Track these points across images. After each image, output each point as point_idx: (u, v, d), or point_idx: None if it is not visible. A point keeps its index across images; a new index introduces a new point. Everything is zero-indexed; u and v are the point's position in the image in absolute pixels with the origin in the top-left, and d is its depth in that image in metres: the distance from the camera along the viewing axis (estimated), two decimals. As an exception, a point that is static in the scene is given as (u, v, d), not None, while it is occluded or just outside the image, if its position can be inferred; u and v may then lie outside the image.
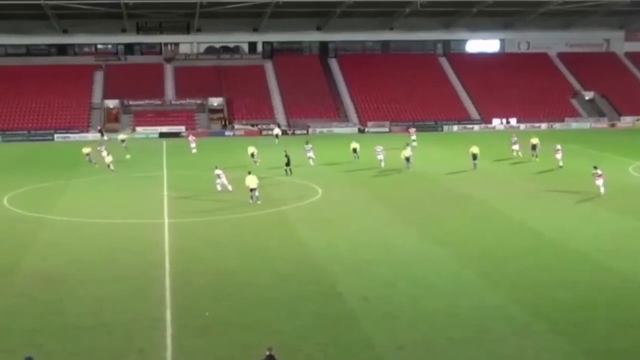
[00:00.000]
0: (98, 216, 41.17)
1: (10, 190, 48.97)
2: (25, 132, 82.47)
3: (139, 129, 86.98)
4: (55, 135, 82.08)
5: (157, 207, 43.55)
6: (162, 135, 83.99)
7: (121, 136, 74.22)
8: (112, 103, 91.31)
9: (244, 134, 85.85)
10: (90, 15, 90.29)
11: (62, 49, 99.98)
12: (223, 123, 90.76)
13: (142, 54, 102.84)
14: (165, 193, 47.80)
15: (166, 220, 39.91)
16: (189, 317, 25.19)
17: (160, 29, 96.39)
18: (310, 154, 59.50)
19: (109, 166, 56.22)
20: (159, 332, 23.81)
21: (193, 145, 69.09)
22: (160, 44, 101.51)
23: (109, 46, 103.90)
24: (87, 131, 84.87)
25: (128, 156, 64.10)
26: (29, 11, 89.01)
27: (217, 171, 47.72)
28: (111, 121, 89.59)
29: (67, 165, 61.11)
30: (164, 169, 58.92)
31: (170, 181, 52.63)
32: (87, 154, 61.48)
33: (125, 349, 22.70)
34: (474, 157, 55.78)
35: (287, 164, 54.19)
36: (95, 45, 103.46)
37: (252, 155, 59.50)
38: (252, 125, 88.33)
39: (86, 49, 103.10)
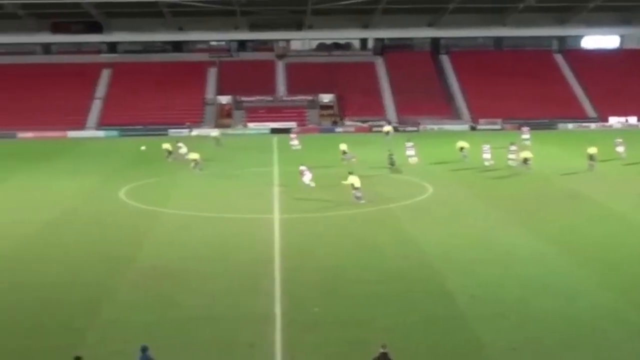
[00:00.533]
0: (210, 210, 41.94)
1: (127, 184, 50.43)
2: (141, 127, 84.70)
3: (250, 124, 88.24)
4: (169, 131, 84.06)
5: (268, 202, 44.03)
6: (274, 131, 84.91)
7: (214, 133, 75.28)
8: (225, 99, 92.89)
9: (354, 131, 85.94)
10: (204, 13, 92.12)
11: (177, 46, 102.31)
12: (333, 120, 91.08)
13: (254, 50, 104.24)
14: (276, 188, 48.30)
15: (276, 216, 40.32)
16: (298, 312, 25.39)
17: (272, 26, 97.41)
18: (411, 152, 58.99)
19: (196, 163, 55.41)
20: (268, 327, 24.08)
21: (295, 142, 69.61)
22: (272, 40, 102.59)
23: (223, 43, 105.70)
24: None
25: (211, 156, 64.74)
26: (146, 9, 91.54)
27: (302, 167, 48.19)
28: (224, 117, 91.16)
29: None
30: (275, 165, 59.51)
31: (281, 177, 53.11)
32: (168, 150, 62.33)
33: (236, 342, 23.06)
34: (591, 157, 54.14)
35: (392, 164, 53.85)
36: (209, 42, 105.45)
37: (344, 152, 59.26)
38: (362, 122, 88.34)
39: (200, 46, 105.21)
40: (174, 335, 23.63)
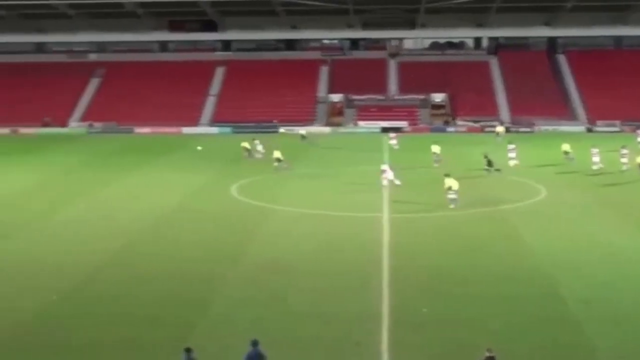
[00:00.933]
0: (320, 208, 42.14)
1: (238, 180, 51.22)
2: (253, 124, 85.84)
3: (361, 123, 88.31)
4: (280, 128, 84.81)
5: (377, 201, 43.92)
6: (384, 130, 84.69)
7: (302, 132, 75.45)
8: (336, 97, 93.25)
9: (466, 131, 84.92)
10: (317, 12, 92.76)
11: (290, 44, 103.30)
12: (445, 119, 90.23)
13: (366, 49, 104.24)
14: (385, 187, 48.14)
15: (385, 215, 40.21)
16: (405, 312, 25.25)
17: (385, 25, 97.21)
18: (512, 155, 57.58)
19: (278, 161, 55.12)
20: (375, 326, 24.03)
21: (394, 142, 69.18)
22: (385, 39, 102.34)
23: (335, 41, 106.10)
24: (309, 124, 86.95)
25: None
26: (260, 8, 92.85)
27: (384, 166, 48.07)
28: (335, 115, 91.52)
29: (289, 157, 62.89)
30: (386, 163, 59.15)
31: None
32: (246, 149, 62.68)
33: (343, 339, 23.10)
34: None
35: (489, 165, 52.89)
36: (322, 40, 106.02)
37: (435, 154, 58.36)
38: (474, 122, 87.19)
39: (313, 44, 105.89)
40: (282, 332, 23.84)
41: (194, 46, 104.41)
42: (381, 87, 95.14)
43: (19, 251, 34.24)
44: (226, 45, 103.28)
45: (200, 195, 47.25)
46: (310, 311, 25.62)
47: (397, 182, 47.14)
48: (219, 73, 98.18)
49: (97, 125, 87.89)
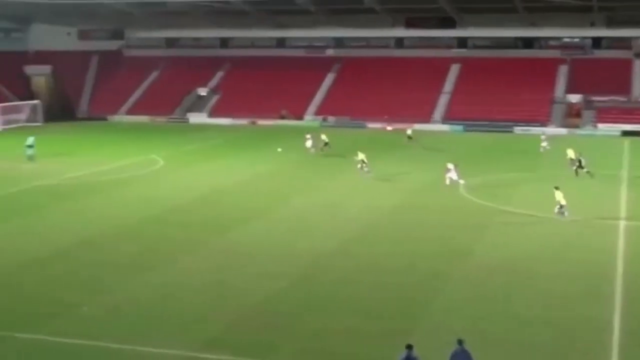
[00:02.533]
0: (550, 211, 40.65)
1: (468, 179, 50.49)
2: (486, 122, 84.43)
3: (600, 125, 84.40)
4: (515, 128, 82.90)
5: (613, 207, 41.84)
6: (625, 133, 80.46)
7: (408, 131, 72.64)
8: (574, 98, 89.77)
9: None
10: (559, 9, 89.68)
11: (528, 43, 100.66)
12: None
13: (609, 48, 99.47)
14: (623, 193, 45.74)
15: (622, 222, 38.21)
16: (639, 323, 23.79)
17: (632, 23, 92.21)
18: None
19: (363, 164, 52.74)
20: (604, 336, 22.93)
21: (545, 144, 65.78)
22: (631, 38, 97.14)
23: (576, 40, 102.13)
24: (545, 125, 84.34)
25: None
26: (500, 5, 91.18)
27: (449, 165, 47.95)
28: (572, 116, 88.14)
29: (525, 158, 61.38)
30: (624, 169, 56.32)
31: (629, 182, 50.10)
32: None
33: (567, 347, 22.23)
34: None
35: (581, 167, 50.08)
36: (562, 38, 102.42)
37: (571, 160, 53.89)
38: None
39: (552, 43, 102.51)
40: (502, 333, 23.32)
41: (429, 43, 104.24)
42: (624, 89, 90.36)
43: (256, 236, 35.86)
44: (462, 42, 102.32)
45: (430, 191, 47.16)
46: (533, 314, 24.83)
47: (462, 181, 46.54)
48: (454, 70, 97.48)
49: (331, 119, 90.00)
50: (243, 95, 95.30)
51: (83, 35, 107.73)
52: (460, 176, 47.67)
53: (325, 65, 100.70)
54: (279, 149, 64.34)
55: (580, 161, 51.43)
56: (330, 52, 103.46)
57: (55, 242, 34.68)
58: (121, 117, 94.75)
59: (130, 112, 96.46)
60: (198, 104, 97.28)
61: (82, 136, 65.62)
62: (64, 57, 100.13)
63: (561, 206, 39.33)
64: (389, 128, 70.07)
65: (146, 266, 30.84)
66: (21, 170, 54.75)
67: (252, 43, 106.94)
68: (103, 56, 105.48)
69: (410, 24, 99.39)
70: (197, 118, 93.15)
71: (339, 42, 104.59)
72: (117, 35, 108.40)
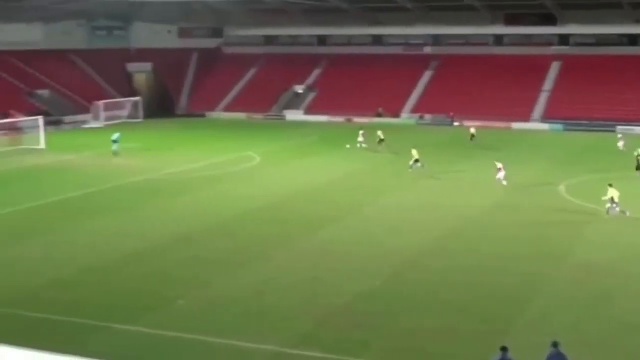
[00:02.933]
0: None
1: (567, 179, 49.43)
2: (587, 121, 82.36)
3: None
4: (618, 127, 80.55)
5: None
6: None
7: (472, 130, 70.73)
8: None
9: None
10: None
11: (633, 39, 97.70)
12: None
13: None
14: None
15: None
16: None
17: None
18: None
19: (416, 162, 52.70)
20: None
21: (620, 143, 63.41)
22: None
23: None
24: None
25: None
26: (601, 0, 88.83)
27: (498, 164, 47.77)
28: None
29: (626, 158, 59.54)
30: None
31: None
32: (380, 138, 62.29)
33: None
34: None
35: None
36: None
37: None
38: None
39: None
40: (601, 337, 22.73)
41: (529, 40, 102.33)
42: None
43: (349, 233, 35.91)
44: (563, 39, 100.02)
45: (525, 191, 46.25)
46: (636, 320, 23.95)
47: (505, 182, 46.69)
48: (554, 68, 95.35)
49: (427, 117, 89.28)
50: (339, 93, 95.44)
51: (183, 33, 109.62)
52: (505, 177, 47.29)
53: (422, 62, 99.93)
54: (347, 145, 64.69)
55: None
56: (427, 49, 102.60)
57: (152, 237, 35.39)
58: (219, 114, 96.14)
59: (227, 108, 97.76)
60: (294, 101, 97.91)
61: (180, 132, 66.90)
62: (165, 55, 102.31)
63: (614, 203, 38.75)
64: (472, 130, 69.56)
65: (240, 262, 31.16)
66: (112, 165, 56.10)
67: (349, 40, 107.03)
68: (202, 53, 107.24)
69: (509, 20, 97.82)
70: (293, 115, 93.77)
71: (436, 40, 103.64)
72: (216, 33, 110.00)
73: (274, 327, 24.08)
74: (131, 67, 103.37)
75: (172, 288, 27.88)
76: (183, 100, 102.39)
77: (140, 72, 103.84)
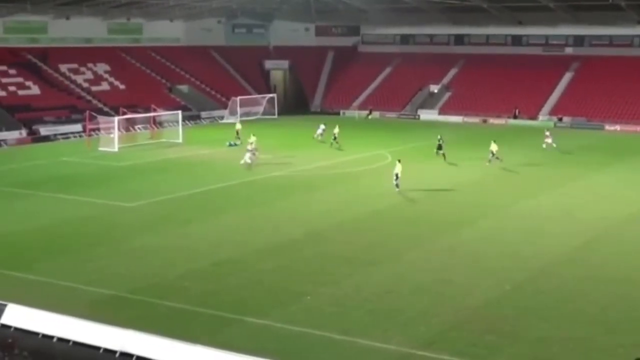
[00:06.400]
0: None
1: None
2: None
3: None
4: None
5: None
6: None
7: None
8: None
9: None
10: None
11: None
12: None
13: None
14: None
15: None
16: None
17: None
18: None
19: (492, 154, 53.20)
20: None
21: (549, 140, 60.81)
22: None
23: None
24: None
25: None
26: None
27: (547, 132, 49.18)
28: None
29: None
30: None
31: None
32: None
33: None
34: None
35: None
36: None
37: None
38: None
39: None
40: None
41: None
42: None
43: (483, 236, 35.41)
44: None
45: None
46: None
47: (554, 145, 49.03)
48: None
49: (566, 119, 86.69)
50: (475, 93, 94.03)
51: (320, 32, 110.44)
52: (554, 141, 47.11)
53: (563, 63, 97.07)
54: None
55: None
56: (569, 50, 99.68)
57: (285, 232, 35.80)
58: (352, 112, 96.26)
59: (361, 107, 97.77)
60: (429, 101, 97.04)
61: (314, 130, 67.42)
62: (302, 52, 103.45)
63: None
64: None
65: (370, 260, 31.07)
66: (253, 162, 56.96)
67: (487, 40, 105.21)
68: (338, 52, 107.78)
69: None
70: (427, 115, 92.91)
71: (578, 40, 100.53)
72: (353, 31, 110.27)
73: (402, 327, 23.87)
74: (269, 64, 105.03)
75: (302, 283, 28.10)
76: (318, 98, 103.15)
77: (278, 70, 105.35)
